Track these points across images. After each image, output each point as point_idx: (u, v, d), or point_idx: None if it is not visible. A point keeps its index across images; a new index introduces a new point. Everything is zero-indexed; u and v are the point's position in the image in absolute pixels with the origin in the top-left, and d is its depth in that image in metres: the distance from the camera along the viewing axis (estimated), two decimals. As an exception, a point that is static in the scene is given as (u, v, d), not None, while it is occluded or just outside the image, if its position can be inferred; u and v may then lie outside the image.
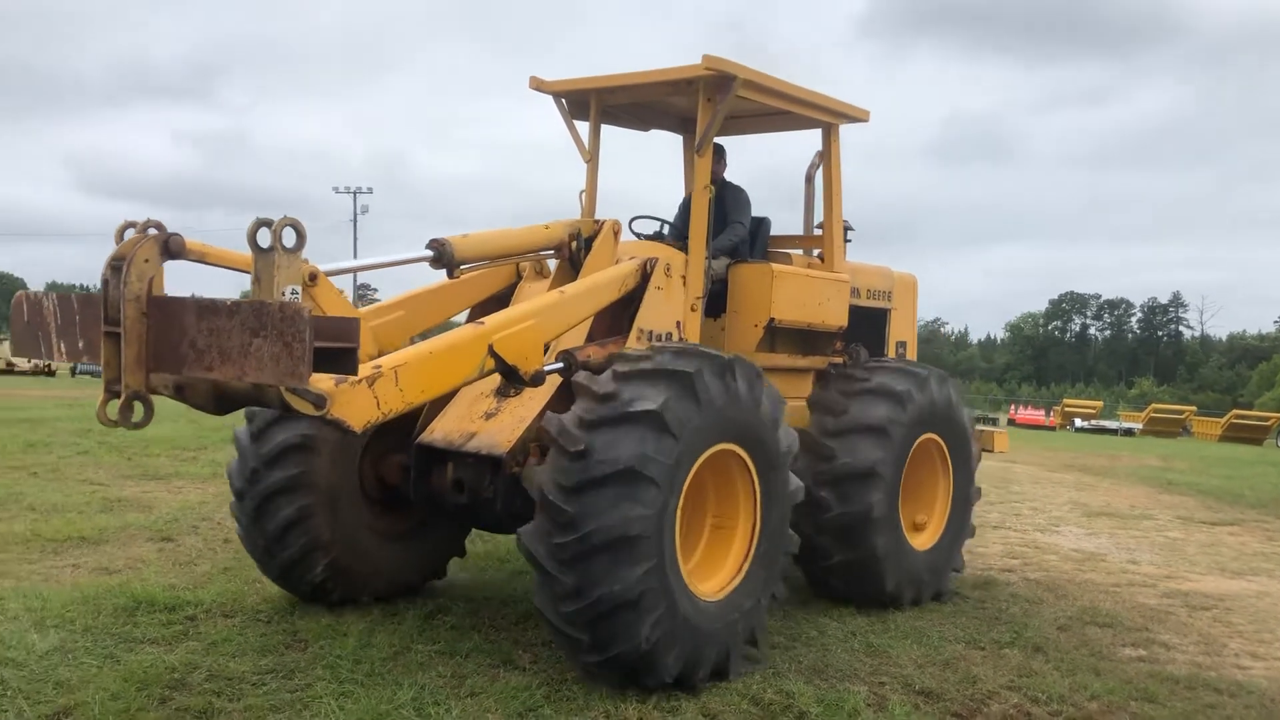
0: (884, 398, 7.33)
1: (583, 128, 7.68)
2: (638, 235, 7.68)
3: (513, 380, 5.56)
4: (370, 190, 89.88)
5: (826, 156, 7.87)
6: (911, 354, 9.00)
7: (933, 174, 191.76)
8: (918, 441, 7.53)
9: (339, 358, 4.25)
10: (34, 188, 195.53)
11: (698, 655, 5.44)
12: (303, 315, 4.15)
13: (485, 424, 6.18)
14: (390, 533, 6.86)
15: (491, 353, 5.38)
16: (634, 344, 6.26)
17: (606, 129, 7.75)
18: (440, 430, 6.29)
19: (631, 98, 7.41)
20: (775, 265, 7.36)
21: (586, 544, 5.05)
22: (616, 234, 6.84)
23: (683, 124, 8.34)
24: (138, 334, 4.47)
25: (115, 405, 4.44)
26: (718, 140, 8.04)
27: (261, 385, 4.46)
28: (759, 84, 6.94)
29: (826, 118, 7.75)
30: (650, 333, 6.44)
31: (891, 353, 8.70)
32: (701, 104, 6.92)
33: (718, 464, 5.73)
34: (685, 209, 7.91)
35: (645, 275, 6.47)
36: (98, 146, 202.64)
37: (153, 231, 4.58)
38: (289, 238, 4.47)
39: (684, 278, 6.85)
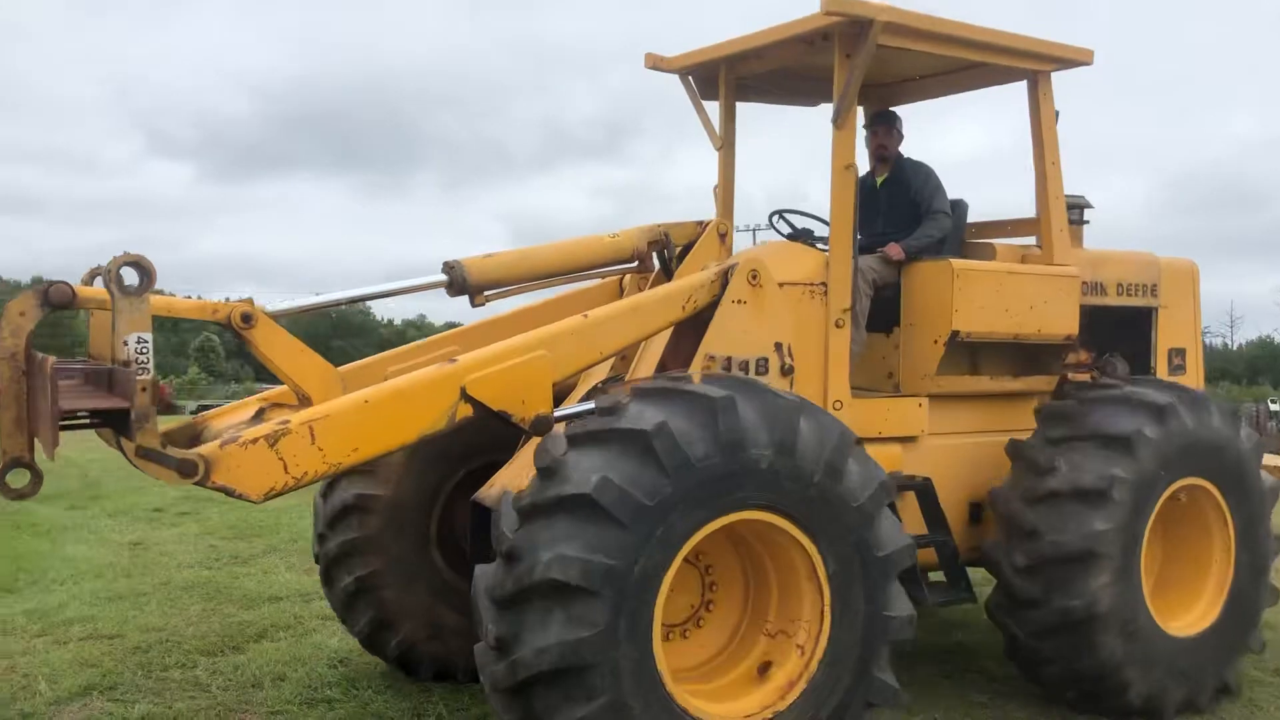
0: (1101, 446, 5.39)
1: (713, 109, 6.40)
2: (781, 235, 6.26)
3: (510, 428, 4.51)
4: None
5: (1034, 116, 6.01)
6: (1194, 364, 6.83)
7: None
8: (1167, 493, 5.51)
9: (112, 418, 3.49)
10: (474, 243, 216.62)
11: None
12: (57, 371, 3.43)
13: None
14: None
15: (465, 397, 4.37)
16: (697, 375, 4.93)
17: (754, 110, 6.43)
18: (500, 486, 5.32)
19: (767, 64, 6.02)
20: (956, 262, 5.69)
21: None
22: (723, 236, 5.52)
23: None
24: (15, 395, 3.96)
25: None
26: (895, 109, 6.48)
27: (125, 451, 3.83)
28: (910, 27, 5.34)
29: (1028, 64, 5.90)
30: (729, 360, 5.04)
31: (1162, 364, 6.60)
32: (837, 61, 5.42)
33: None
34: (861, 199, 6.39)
35: (725, 286, 5.10)
36: (526, 203, 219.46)
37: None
38: (130, 278, 3.75)
39: (813, 287, 5.41)
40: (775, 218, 6.23)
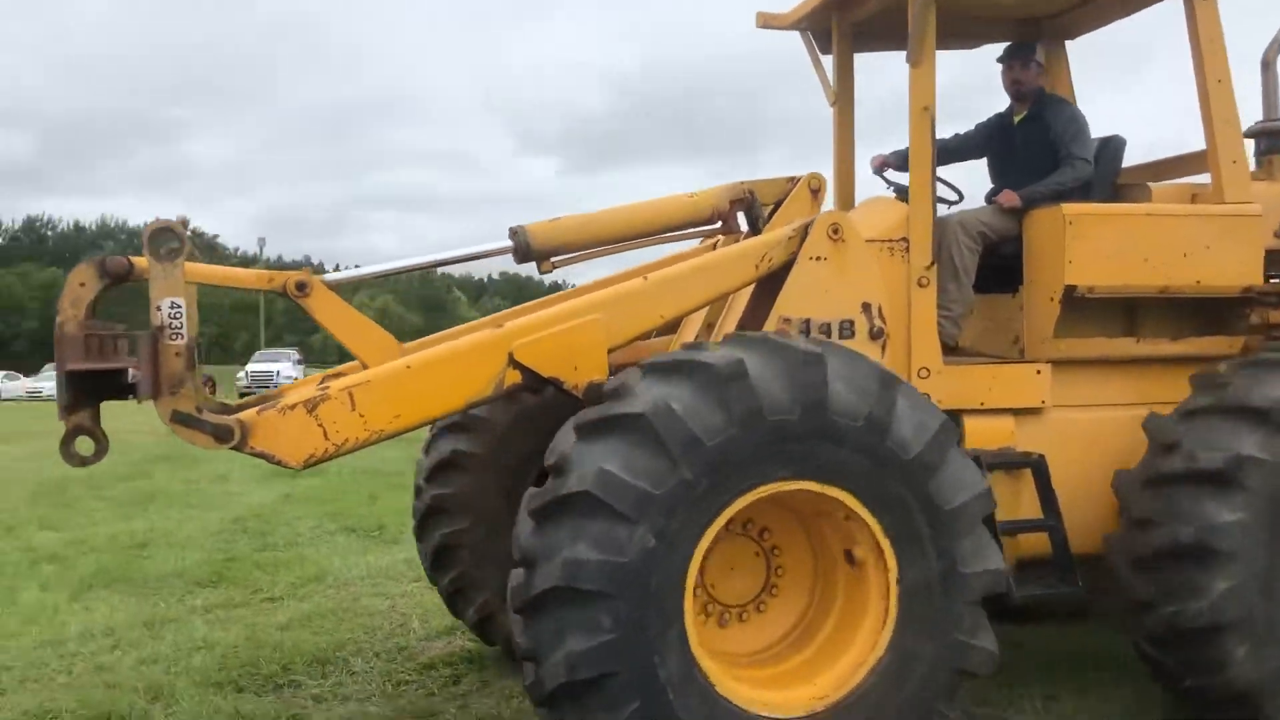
0: (1237, 419, 4.64)
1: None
2: (893, 189, 5.79)
3: (563, 396, 4.37)
4: None
5: (1192, 35, 5.29)
6: None
7: None
8: None
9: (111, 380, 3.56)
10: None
11: None
12: (62, 337, 3.53)
13: None
14: None
15: (514, 363, 4.26)
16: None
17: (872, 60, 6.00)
18: None
19: (877, 5, 5.57)
20: (1069, 207, 5.06)
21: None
22: (816, 193, 5.16)
23: (980, 28, 6.07)
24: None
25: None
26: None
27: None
28: None
29: None
30: (807, 322, 4.69)
31: None
32: None
33: None
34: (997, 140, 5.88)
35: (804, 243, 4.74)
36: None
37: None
38: (166, 245, 3.85)
39: (894, 244, 4.98)
40: (883, 171, 5.79)
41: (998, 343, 5.55)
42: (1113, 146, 5.70)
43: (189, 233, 3.91)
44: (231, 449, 3.95)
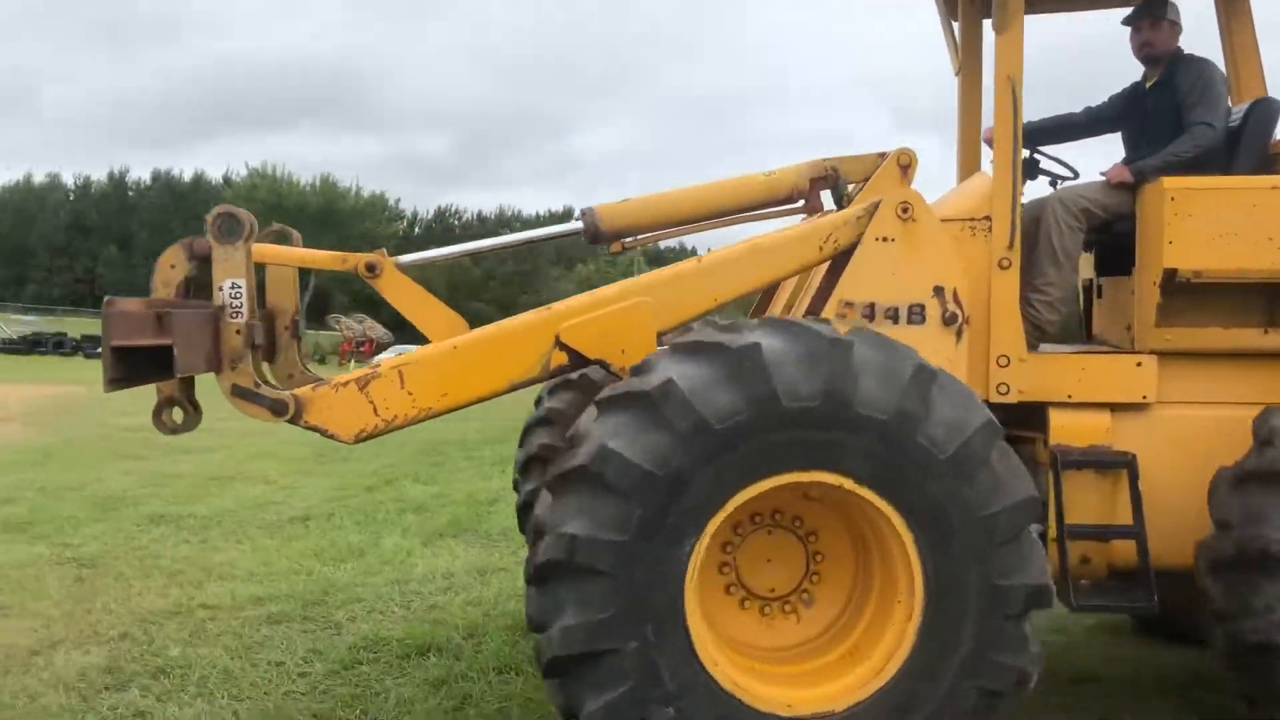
0: None
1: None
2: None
3: (612, 378, 4.40)
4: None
5: None
6: None
7: None
8: None
9: (158, 356, 3.81)
10: None
11: None
12: (110, 312, 3.83)
13: None
14: None
15: (560, 344, 4.33)
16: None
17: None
18: None
19: None
20: (1172, 181, 4.62)
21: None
22: (906, 168, 4.89)
23: None
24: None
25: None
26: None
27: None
28: None
29: None
30: (871, 306, 4.51)
31: None
32: None
33: None
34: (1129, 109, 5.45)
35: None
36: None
37: None
38: (227, 228, 4.13)
39: (975, 223, 4.72)
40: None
41: (1117, 331, 5.18)
42: (1261, 110, 5.12)
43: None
44: (288, 422, 4.20)
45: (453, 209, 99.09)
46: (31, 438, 14.59)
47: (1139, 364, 4.71)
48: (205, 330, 4.03)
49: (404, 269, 4.71)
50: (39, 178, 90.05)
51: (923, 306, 4.52)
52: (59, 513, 9.83)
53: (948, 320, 4.51)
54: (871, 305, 4.50)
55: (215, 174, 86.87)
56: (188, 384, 4.49)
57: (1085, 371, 4.72)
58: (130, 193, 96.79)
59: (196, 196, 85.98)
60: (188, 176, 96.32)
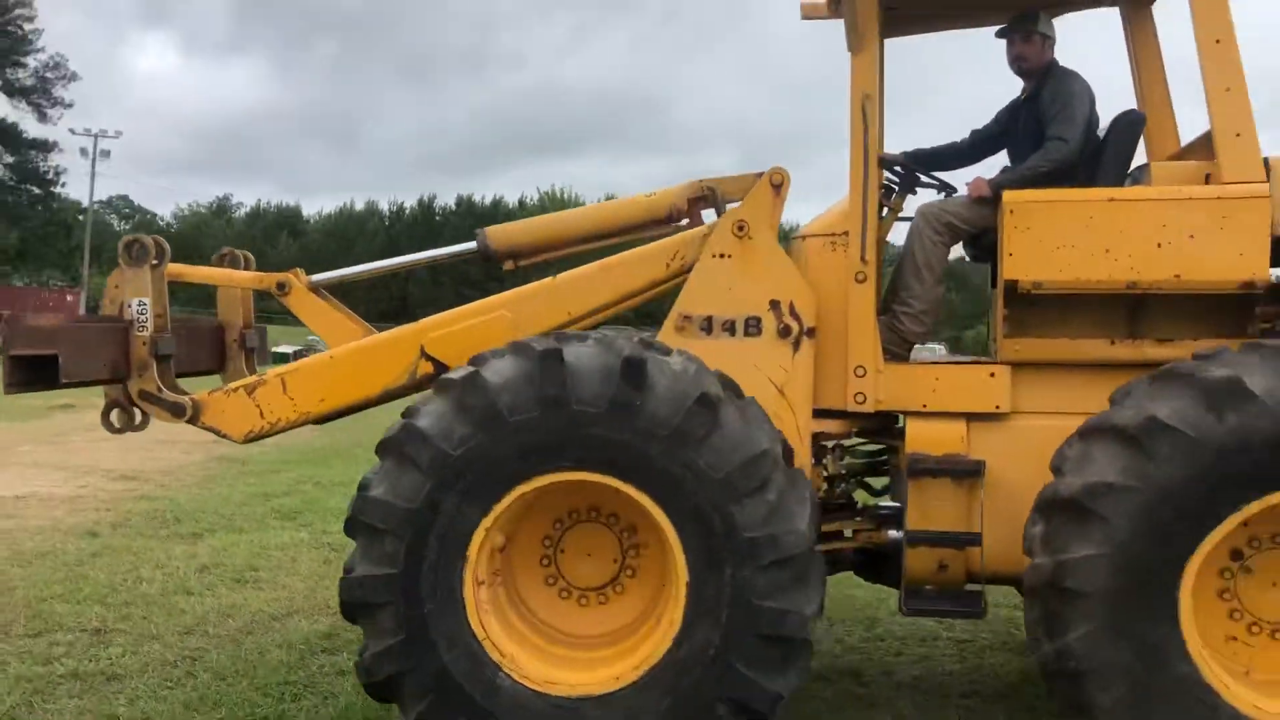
0: (1109, 439, 3.98)
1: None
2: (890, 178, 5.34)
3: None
4: None
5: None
6: None
7: None
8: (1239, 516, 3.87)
9: (44, 365, 4.53)
10: None
11: None
12: (10, 326, 4.59)
13: None
14: None
15: (425, 355, 4.82)
16: (666, 336, 4.68)
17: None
18: None
19: None
20: (1011, 193, 4.58)
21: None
22: (779, 187, 4.97)
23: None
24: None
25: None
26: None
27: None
28: None
29: None
30: (709, 319, 4.68)
31: None
32: None
33: None
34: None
35: (712, 241, 4.71)
36: None
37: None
38: (136, 254, 4.87)
39: (835, 238, 4.78)
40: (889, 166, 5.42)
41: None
42: (1123, 123, 4.99)
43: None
44: (186, 423, 4.88)
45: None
46: (324, 439, 16.00)
47: (992, 374, 4.66)
48: (104, 342, 4.77)
49: (314, 287, 5.32)
50: (358, 205, 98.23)
51: (759, 319, 4.68)
52: (326, 504, 10.81)
53: (783, 333, 4.66)
54: (709, 318, 4.71)
55: (511, 198, 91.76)
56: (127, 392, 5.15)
57: (940, 382, 4.72)
58: (437, 217, 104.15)
59: (494, 219, 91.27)
60: (487, 200, 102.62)
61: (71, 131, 62.97)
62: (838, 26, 4.89)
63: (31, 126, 60.55)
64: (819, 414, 4.77)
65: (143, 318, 4.88)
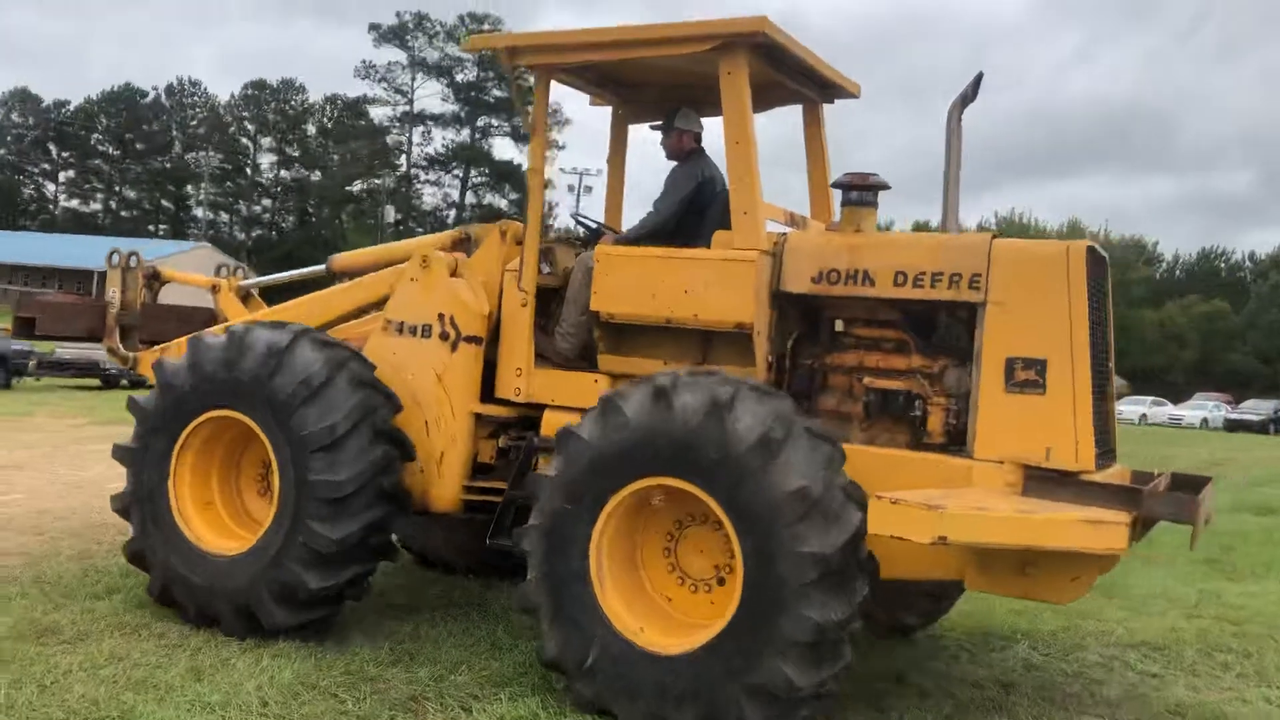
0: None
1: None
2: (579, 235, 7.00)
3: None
4: None
5: (726, 87, 5.78)
6: (1066, 379, 5.11)
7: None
8: None
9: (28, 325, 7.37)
10: None
11: None
12: (25, 301, 7.48)
13: None
14: None
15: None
16: (377, 334, 6.59)
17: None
18: None
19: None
20: (600, 248, 6.12)
21: None
22: (505, 234, 6.64)
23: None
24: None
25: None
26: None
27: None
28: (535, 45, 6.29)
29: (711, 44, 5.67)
30: (402, 323, 6.52)
31: (993, 374, 5.25)
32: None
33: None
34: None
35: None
36: None
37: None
38: (112, 261, 7.65)
39: (513, 271, 6.44)
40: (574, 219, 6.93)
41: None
42: (708, 192, 6.36)
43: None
44: (130, 370, 7.57)
45: (1219, 250, 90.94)
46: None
47: (595, 380, 6.14)
48: (82, 314, 7.57)
49: (243, 291, 7.80)
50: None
51: (430, 326, 6.51)
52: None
53: (443, 337, 6.44)
54: (402, 323, 6.59)
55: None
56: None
57: (565, 384, 6.26)
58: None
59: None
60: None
61: (561, 170, 71.76)
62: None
63: (530, 165, 69.83)
64: (498, 401, 6.45)
65: (114, 301, 7.63)
